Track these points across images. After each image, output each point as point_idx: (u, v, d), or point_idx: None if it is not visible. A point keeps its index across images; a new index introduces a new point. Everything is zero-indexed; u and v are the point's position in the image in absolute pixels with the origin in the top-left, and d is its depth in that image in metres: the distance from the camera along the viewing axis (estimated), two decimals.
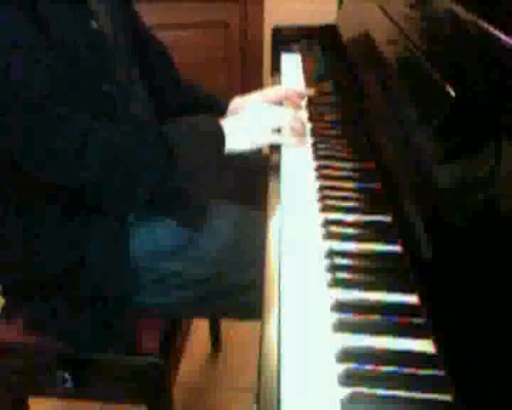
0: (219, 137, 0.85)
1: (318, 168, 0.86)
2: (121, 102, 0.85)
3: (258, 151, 0.92)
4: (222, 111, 1.09)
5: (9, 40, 0.70)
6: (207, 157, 0.84)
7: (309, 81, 1.25)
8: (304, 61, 1.39)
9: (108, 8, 0.90)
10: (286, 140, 0.91)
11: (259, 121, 0.90)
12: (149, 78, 1.00)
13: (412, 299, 0.59)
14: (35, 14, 0.72)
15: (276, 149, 0.92)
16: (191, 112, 0.96)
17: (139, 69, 0.98)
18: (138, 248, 0.85)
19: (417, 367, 0.50)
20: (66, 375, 0.87)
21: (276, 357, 0.51)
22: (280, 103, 1.10)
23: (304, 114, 1.07)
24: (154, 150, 0.79)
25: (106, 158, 0.76)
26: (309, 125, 1.02)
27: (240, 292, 0.86)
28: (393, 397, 0.48)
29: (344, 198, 0.78)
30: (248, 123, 0.89)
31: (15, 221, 0.83)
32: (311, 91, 1.16)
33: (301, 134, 0.92)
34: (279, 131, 0.92)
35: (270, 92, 1.12)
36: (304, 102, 1.13)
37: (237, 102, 1.10)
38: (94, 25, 0.82)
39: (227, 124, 0.87)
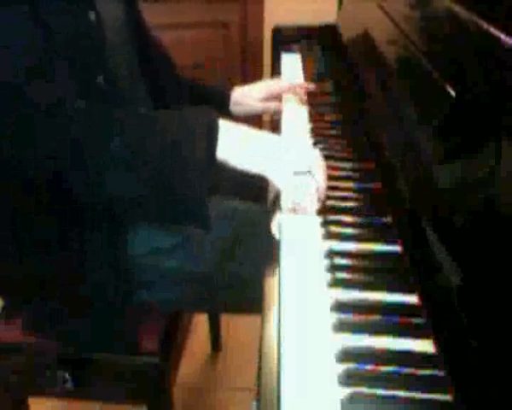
0: (210, 133, 0.70)
1: None
2: (117, 97, 0.84)
3: None
4: (225, 104, 1.11)
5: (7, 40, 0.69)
6: (195, 153, 0.69)
7: (309, 81, 1.25)
8: (304, 61, 1.39)
9: (111, 1, 0.89)
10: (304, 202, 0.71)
11: (282, 153, 0.72)
12: (151, 78, 1.00)
13: (412, 299, 0.59)
14: (35, 11, 0.70)
15: None
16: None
17: (141, 69, 0.98)
18: (137, 246, 0.85)
19: (417, 367, 0.50)
20: (67, 375, 0.87)
21: (276, 357, 0.51)
22: (281, 96, 1.14)
23: (304, 114, 1.07)
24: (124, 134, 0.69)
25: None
26: (309, 126, 1.03)
27: (240, 287, 0.86)
28: (393, 397, 0.48)
29: (344, 198, 0.78)
30: (270, 147, 0.72)
31: (13, 221, 0.83)
32: (312, 86, 1.17)
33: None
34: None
35: (272, 83, 1.15)
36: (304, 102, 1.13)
37: (239, 93, 1.13)
38: (92, 16, 0.81)
39: (236, 130, 0.73)
